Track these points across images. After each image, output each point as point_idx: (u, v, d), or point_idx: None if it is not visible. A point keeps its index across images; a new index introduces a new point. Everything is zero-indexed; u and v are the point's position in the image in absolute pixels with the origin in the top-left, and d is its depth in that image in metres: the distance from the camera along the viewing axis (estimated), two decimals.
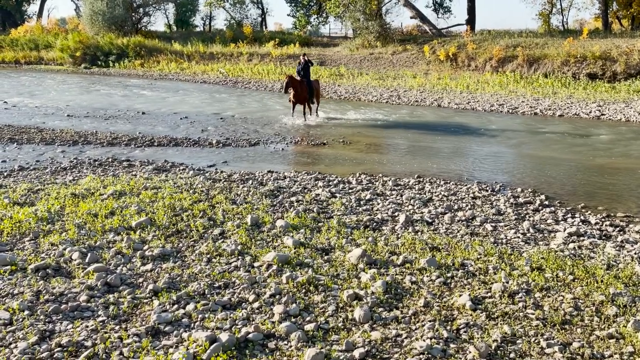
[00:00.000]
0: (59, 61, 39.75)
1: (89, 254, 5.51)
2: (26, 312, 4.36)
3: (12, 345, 3.92)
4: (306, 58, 17.08)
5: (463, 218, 7.31)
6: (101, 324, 4.27)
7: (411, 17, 38.31)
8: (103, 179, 8.84)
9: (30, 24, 51.79)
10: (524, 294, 4.88)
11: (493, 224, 7.06)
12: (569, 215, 7.64)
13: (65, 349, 3.90)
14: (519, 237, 6.60)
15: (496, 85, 25.69)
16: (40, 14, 57.84)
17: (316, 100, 17.49)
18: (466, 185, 9.27)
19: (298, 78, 16.54)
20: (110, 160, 10.67)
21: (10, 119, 15.86)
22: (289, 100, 16.76)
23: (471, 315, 4.51)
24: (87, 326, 4.21)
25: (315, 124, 16.44)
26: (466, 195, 8.53)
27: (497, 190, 8.94)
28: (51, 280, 5.02)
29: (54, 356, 3.81)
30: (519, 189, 9.02)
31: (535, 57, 27.41)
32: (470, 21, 36.68)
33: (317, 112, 17.76)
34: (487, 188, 9.04)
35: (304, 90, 16.34)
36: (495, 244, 6.30)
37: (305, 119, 16.63)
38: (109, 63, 37.62)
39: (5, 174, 9.39)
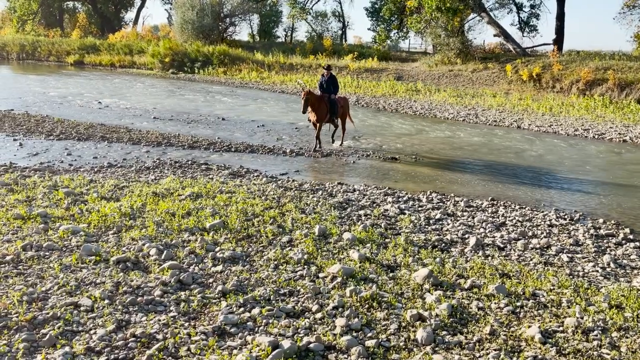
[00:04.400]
0: (149, 66, 42.17)
1: (165, 251, 5.81)
2: (106, 301, 4.67)
3: (92, 331, 4.21)
4: (331, 71, 14.29)
5: (537, 246, 7.03)
6: (172, 319, 4.49)
7: (494, 35, 37.28)
8: (182, 180, 9.29)
9: (127, 30, 55.43)
10: (600, 332, 4.62)
11: (570, 255, 6.73)
12: None
13: (138, 339, 4.14)
14: (597, 271, 6.25)
15: (582, 109, 24.45)
16: (136, 21, 61.81)
17: (341, 123, 14.50)
18: (542, 211, 8.90)
19: (318, 93, 13.87)
20: (189, 162, 11.19)
21: (103, 119, 17.03)
22: (308, 120, 13.99)
23: (540, 348, 4.33)
24: (159, 320, 4.45)
25: (346, 146, 14.28)
26: (542, 222, 8.18)
27: (577, 220, 8.50)
28: (130, 273, 5.34)
29: (128, 345, 4.06)
30: (601, 220, 8.53)
31: (628, 81, 25.82)
32: (558, 41, 35.17)
33: (342, 140, 14.71)
34: (566, 216, 8.62)
35: (323, 108, 13.46)
36: (571, 276, 6.00)
37: (319, 145, 13.78)
38: (194, 69, 39.45)
39: (95, 169, 10.09)
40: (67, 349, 3.93)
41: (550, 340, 4.46)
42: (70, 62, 46.09)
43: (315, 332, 4.40)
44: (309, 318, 4.65)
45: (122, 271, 5.37)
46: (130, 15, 63.66)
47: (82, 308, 4.54)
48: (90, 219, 6.84)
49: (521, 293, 5.37)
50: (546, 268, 6.22)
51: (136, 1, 62.17)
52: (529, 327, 4.65)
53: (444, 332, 4.51)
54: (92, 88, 26.93)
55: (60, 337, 4.10)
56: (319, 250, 6.28)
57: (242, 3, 46.65)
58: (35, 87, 25.59)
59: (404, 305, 4.97)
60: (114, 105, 20.71)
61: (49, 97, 22.13)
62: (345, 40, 50.02)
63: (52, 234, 6.26)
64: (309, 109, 13.21)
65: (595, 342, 4.44)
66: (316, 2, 51.94)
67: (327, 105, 13.60)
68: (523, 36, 39.49)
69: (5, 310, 4.39)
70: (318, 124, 13.61)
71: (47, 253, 5.69)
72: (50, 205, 7.35)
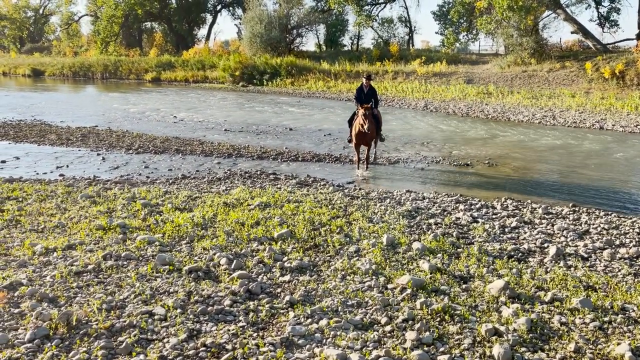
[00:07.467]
0: (221, 80, 43.64)
1: (234, 261, 5.89)
2: (178, 310, 4.77)
3: (165, 340, 4.31)
4: (371, 82, 12.23)
5: (626, 255, 6.49)
6: (241, 329, 4.51)
7: (572, 32, 35.46)
8: (251, 191, 9.45)
9: (199, 47, 57.78)
10: None
11: None
12: None
13: (209, 349, 4.19)
14: None
15: None
16: (208, 37, 64.38)
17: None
18: (631, 218, 8.25)
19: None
20: (258, 172, 11.38)
21: (178, 132, 17.75)
22: (348, 141, 12.28)
23: None
24: (228, 330, 4.49)
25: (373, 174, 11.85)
26: (631, 230, 7.58)
27: None
28: (201, 282, 5.45)
29: (199, 355, 4.11)
30: None
31: None
32: None
33: (368, 162, 12.19)
34: None
35: (373, 127, 11.41)
36: None
37: (366, 166, 11.97)
38: (263, 82, 40.39)
39: (170, 181, 10.49)
40: (141, 357, 4.04)
41: None
42: (148, 79, 48.60)
43: (384, 346, 4.27)
44: (377, 331, 4.52)
45: (194, 280, 5.49)
46: (202, 32, 66.41)
47: (156, 317, 4.67)
48: (165, 229, 7.08)
49: (609, 307, 4.96)
50: (637, 280, 5.73)
51: (208, 18, 64.83)
52: (618, 344, 4.27)
53: (523, 349, 4.24)
54: (168, 103, 28.20)
55: (135, 345, 4.23)
56: (388, 261, 6.13)
57: (309, 14, 47.32)
58: (116, 104, 27.16)
59: (478, 319, 4.73)
60: (187, 119, 21.54)
61: (129, 113, 23.38)
62: (413, 45, 49.39)
63: (129, 244, 6.53)
64: (357, 128, 11.31)
65: None
66: (382, 9, 51.56)
67: (374, 122, 11.60)
68: (603, 32, 37.26)
69: (86, 318, 4.60)
70: (367, 146, 11.81)
71: (125, 262, 5.93)
72: (129, 216, 7.69)
